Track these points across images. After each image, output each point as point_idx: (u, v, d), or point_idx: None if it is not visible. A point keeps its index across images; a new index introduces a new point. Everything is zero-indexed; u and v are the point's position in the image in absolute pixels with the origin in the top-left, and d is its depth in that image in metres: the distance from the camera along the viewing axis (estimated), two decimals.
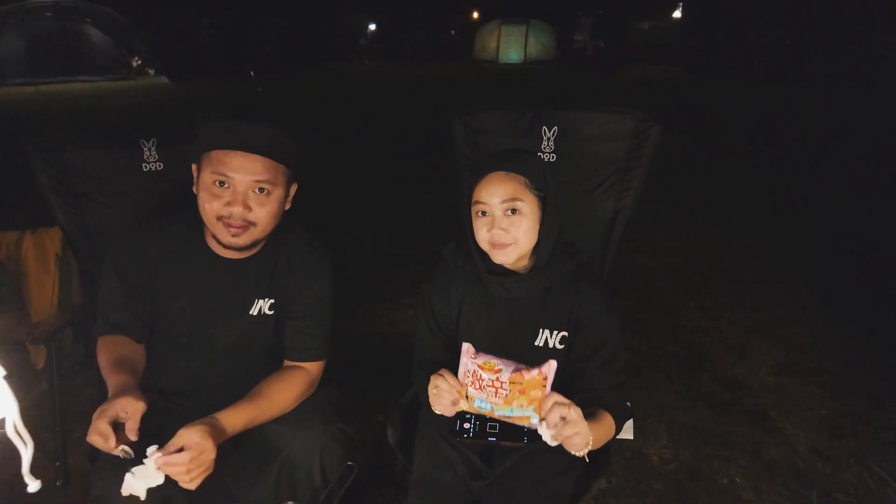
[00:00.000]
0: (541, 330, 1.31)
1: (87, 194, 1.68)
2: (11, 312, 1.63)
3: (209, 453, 1.11)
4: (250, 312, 1.41)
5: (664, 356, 2.65)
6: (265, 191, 1.26)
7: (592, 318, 1.30)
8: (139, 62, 14.88)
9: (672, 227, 4.24)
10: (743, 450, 2.06)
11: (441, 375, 1.18)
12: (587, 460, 1.19)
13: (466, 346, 1.19)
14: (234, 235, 1.28)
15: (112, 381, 1.24)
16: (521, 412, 1.10)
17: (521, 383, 1.11)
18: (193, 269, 1.38)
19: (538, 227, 1.24)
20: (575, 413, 1.09)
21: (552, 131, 1.68)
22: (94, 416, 1.12)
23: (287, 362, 1.43)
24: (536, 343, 1.31)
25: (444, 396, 1.17)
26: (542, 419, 1.10)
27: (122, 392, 1.17)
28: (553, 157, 1.68)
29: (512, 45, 18.43)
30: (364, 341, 2.77)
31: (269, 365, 1.43)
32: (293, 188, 1.37)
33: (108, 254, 1.39)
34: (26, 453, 0.61)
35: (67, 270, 2.09)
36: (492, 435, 1.33)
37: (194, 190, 1.30)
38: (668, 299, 3.21)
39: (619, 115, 1.64)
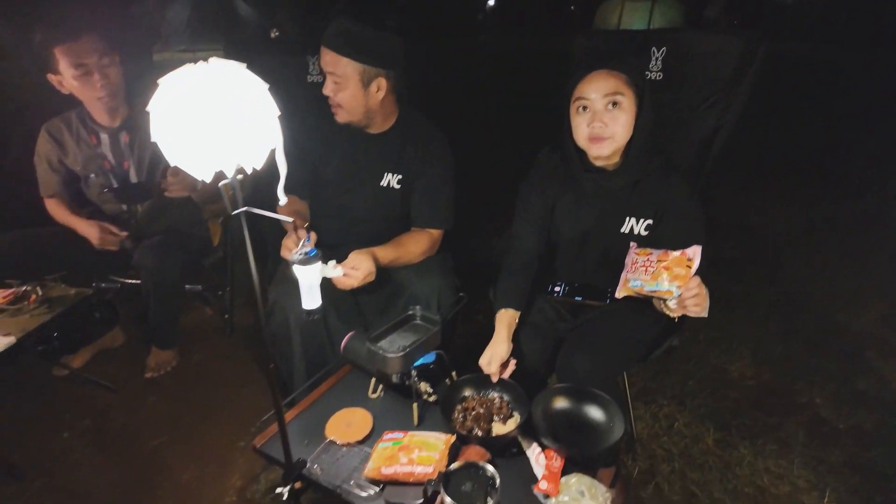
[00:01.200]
0: (627, 218, 1.48)
1: None
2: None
3: (371, 276, 1.52)
4: (381, 184, 1.75)
5: (763, 298, 2.68)
6: (336, 81, 1.57)
7: (677, 210, 1.43)
8: (277, 33, 16.29)
9: (792, 195, 4.08)
10: (830, 378, 2.10)
11: None
12: (676, 321, 1.38)
13: (633, 244, 1.41)
14: (333, 114, 1.63)
15: (289, 226, 1.66)
16: (665, 286, 1.26)
17: (665, 261, 1.28)
18: (341, 141, 1.73)
19: (634, 123, 1.40)
20: (705, 292, 1.26)
21: (661, 51, 1.83)
22: (283, 241, 1.53)
23: (413, 229, 1.75)
24: (622, 230, 1.49)
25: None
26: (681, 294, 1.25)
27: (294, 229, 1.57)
28: (660, 76, 1.83)
29: (635, 20, 17.43)
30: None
31: (397, 233, 1.75)
32: (379, 81, 1.58)
33: (286, 131, 1.81)
34: (283, 171, 0.95)
35: None
36: (578, 294, 1.57)
37: None
38: (775, 253, 3.18)
39: (727, 35, 1.75)
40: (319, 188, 1.80)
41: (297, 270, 1.24)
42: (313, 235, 1.44)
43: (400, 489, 1.09)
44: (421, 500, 1.05)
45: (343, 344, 1.49)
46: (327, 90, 1.60)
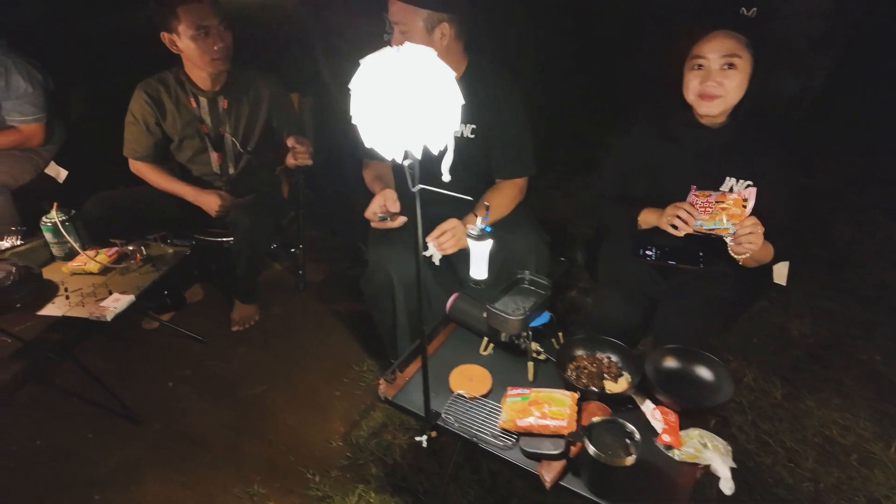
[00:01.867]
0: (727, 178, 1.53)
1: (343, 56, 2.15)
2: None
3: (459, 233, 1.59)
4: (455, 135, 1.78)
5: (810, 258, 2.74)
6: (403, 31, 1.58)
7: (774, 172, 1.48)
8: None
9: (833, 152, 4.07)
10: (885, 335, 2.20)
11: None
12: (739, 262, 1.45)
13: (693, 186, 1.49)
14: None
15: (375, 188, 1.74)
16: (722, 225, 1.38)
17: (723, 202, 1.39)
18: None
19: (747, 85, 1.43)
20: (760, 230, 1.35)
21: (751, 12, 1.82)
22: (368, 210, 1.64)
23: (497, 181, 1.81)
24: (722, 188, 1.53)
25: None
26: (737, 231, 1.36)
27: (381, 190, 1.63)
28: None
29: None
30: None
31: (481, 183, 1.82)
32: (442, 27, 1.59)
33: None
34: (451, 150, 1.01)
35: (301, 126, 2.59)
36: (671, 258, 1.63)
37: None
38: (819, 213, 3.21)
39: None
40: None
41: (472, 245, 1.33)
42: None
43: (535, 440, 1.20)
44: (559, 451, 1.16)
45: (449, 304, 1.58)
46: (396, 41, 1.62)
